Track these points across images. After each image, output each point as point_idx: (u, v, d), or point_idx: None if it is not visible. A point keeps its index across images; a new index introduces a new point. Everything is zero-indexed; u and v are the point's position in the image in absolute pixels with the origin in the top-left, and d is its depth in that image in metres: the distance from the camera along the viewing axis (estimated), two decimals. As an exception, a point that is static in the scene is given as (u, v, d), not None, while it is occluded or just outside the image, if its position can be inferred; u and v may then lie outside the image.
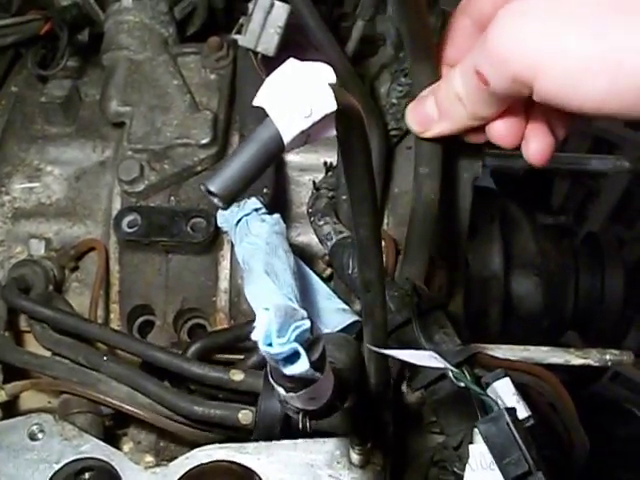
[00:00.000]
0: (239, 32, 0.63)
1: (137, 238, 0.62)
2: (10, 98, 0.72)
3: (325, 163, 0.64)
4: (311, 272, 0.60)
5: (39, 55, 0.72)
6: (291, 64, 0.32)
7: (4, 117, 0.71)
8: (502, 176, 0.89)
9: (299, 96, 0.31)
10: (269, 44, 0.62)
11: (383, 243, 0.61)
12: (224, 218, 0.59)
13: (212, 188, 0.30)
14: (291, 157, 0.67)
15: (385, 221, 0.64)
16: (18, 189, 0.69)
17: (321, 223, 0.60)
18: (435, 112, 0.52)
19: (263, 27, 0.62)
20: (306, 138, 0.31)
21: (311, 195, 0.63)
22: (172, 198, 0.65)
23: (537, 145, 0.51)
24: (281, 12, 0.62)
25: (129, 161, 0.64)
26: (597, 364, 0.62)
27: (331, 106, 0.31)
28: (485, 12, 0.49)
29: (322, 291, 0.59)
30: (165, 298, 0.64)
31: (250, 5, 0.62)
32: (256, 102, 0.31)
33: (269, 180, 0.61)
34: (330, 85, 0.31)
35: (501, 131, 0.51)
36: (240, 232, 0.58)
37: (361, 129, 0.33)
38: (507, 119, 0.50)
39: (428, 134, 0.54)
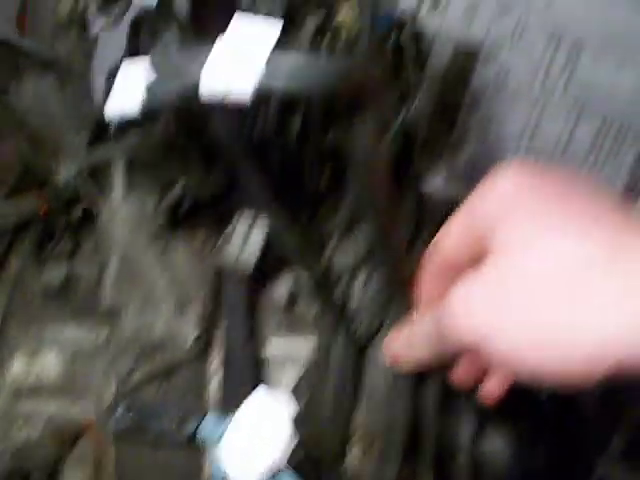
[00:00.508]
0: (220, 249, 0.69)
1: (128, 428, 0.69)
2: (9, 278, 0.78)
3: (302, 365, 0.70)
4: None
5: (37, 235, 0.78)
6: (257, 399, 0.38)
7: (4, 299, 0.77)
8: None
9: (255, 453, 0.37)
10: (248, 262, 0.69)
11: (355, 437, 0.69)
12: (206, 429, 0.65)
13: None
14: (272, 346, 0.73)
15: (359, 416, 0.70)
16: (18, 369, 0.75)
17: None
18: (407, 348, 0.59)
19: (243, 246, 0.68)
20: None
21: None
22: (162, 388, 0.72)
23: (490, 386, 0.58)
24: (259, 233, 0.68)
25: (122, 358, 0.70)
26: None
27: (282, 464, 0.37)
28: (449, 261, 0.54)
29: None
30: (156, 480, 0.71)
31: (231, 225, 0.69)
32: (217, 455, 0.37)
33: None
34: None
35: (459, 374, 0.58)
36: (220, 448, 0.64)
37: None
38: (465, 364, 0.58)
39: (399, 366, 0.61)
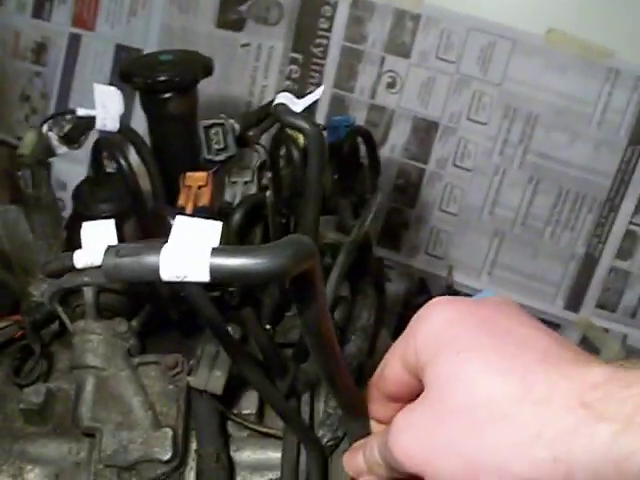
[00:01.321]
0: (190, 374, 0.73)
1: None
2: (-10, 400, 0.81)
3: (271, 479, 0.74)
4: None
5: (15, 357, 0.81)
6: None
7: (-12, 419, 0.80)
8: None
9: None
10: (216, 385, 0.72)
11: None
12: None
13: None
14: (242, 457, 0.77)
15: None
16: (4, 487, 0.78)
17: None
18: (364, 466, 0.62)
19: (211, 371, 0.72)
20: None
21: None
22: (141, 505, 0.75)
23: None
24: (226, 358, 0.71)
25: (101, 479, 0.74)
26: None
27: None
28: (392, 395, 0.58)
29: None
30: None
31: (198, 351, 0.72)
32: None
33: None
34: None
35: None
36: None
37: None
38: None
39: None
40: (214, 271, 0.39)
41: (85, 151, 1.17)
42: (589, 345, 1.18)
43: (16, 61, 1.30)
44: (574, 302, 1.14)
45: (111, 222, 0.59)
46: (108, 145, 0.81)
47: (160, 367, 0.78)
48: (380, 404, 0.61)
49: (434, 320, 0.50)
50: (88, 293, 0.77)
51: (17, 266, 0.82)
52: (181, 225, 0.42)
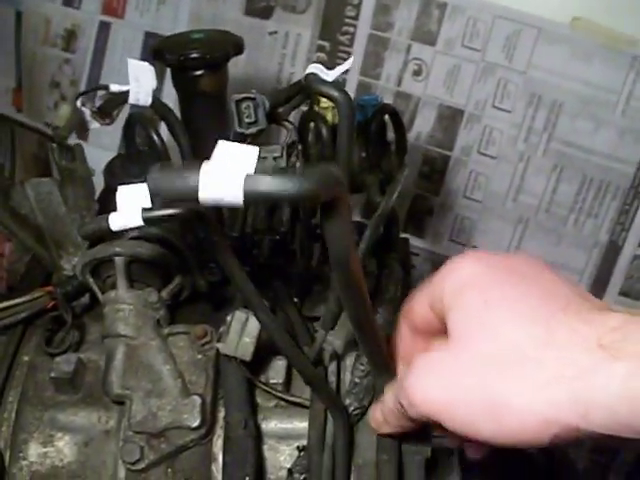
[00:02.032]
0: (219, 340, 0.74)
1: (140, 511, 0.74)
2: (23, 367, 0.83)
3: (298, 447, 0.75)
4: None
5: (47, 328, 0.83)
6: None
7: (19, 387, 0.82)
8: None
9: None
10: (246, 351, 0.73)
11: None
12: None
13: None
14: (269, 426, 0.78)
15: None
16: (34, 454, 0.79)
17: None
18: (381, 417, 0.67)
19: (240, 337, 0.73)
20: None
21: (286, 476, 0.74)
22: (169, 470, 0.76)
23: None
24: (255, 325, 0.73)
25: (130, 445, 0.75)
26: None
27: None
28: (418, 328, 0.62)
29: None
30: None
31: (228, 317, 0.74)
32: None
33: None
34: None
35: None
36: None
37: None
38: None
39: (380, 432, 0.69)
40: (248, 194, 0.41)
41: (113, 138, 1.19)
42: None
43: (46, 48, 1.31)
44: (597, 290, 1.14)
45: (144, 187, 0.61)
46: (140, 120, 0.82)
47: (189, 337, 0.80)
48: (407, 336, 0.63)
49: (464, 269, 0.52)
50: (119, 263, 0.78)
51: (50, 239, 0.84)
52: (221, 148, 0.44)
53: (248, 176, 0.42)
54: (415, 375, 0.53)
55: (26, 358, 0.84)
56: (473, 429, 0.49)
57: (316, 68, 0.70)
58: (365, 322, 0.58)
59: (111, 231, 0.59)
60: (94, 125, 0.80)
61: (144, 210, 0.56)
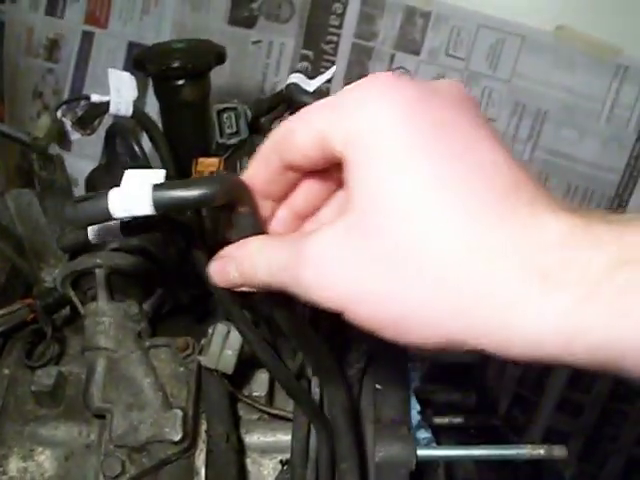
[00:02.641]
0: (201, 353, 0.73)
1: (121, 526, 0.73)
2: (3, 381, 0.82)
3: (281, 461, 0.74)
4: None
5: (27, 341, 0.82)
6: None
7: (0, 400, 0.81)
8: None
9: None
10: (228, 364, 0.72)
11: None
12: None
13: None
14: (252, 440, 0.77)
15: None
16: (14, 469, 0.78)
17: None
18: (240, 280, 0.49)
19: (222, 350, 0.72)
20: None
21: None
22: (151, 486, 0.75)
23: None
24: (237, 337, 0.72)
25: (111, 459, 0.74)
26: (530, 457, 0.70)
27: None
28: (293, 164, 0.46)
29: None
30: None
31: (210, 330, 0.73)
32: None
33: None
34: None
35: None
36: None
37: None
38: None
39: (239, 290, 0.51)
40: (156, 202, 0.44)
41: (95, 147, 1.19)
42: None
43: (29, 58, 1.31)
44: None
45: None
46: (121, 130, 0.81)
47: (171, 350, 0.79)
48: (273, 168, 0.47)
49: (375, 109, 0.38)
50: (100, 275, 0.78)
51: (30, 251, 0.83)
52: (129, 175, 0.47)
53: (155, 185, 0.45)
54: (309, 271, 0.41)
55: (6, 371, 0.83)
56: (376, 330, 0.40)
57: (297, 78, 0.70)
58: (299, 332, 0.60)
59: (90, 242, 0.59)
60: (75, 136, 0.80)
61: (122, 222, 0.55)
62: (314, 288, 0.41)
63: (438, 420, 0.84)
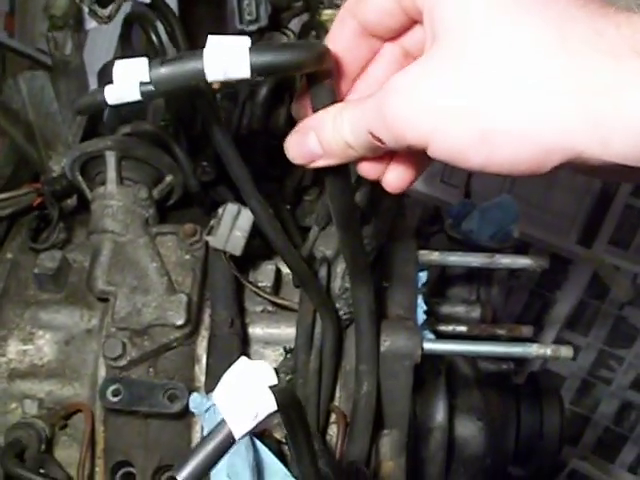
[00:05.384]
0: (210, 233, 0.72)
1: (120, 407, 0.72)
2: (6, 265, 0.81)
3: (284, 348, 0.74)
4: (267, 452, 0.69)
5: (32, 225, 0.81)
6: (242, 363, 0.43)
7: (1, 283, 0.80)
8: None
9: (247, 400, 0.42)
10: (236, 245, 0.71)
11: (333, 417, 0.73)
12: (195, 404, 0.69)
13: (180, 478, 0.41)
14: (256, 331, 0.76)
15: (337, 395, 0.74)
16: (13, 351, 0.78)
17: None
18: (319, 150, 0.49)
19: (231, 230, 0.71)
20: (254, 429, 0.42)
21: (272, 375, 0.73)
22: (150, 370, 0.75)
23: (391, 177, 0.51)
24: (247, 218, 0.71)
25: (113, 340, 0.73)
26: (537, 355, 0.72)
27: (272, 407, 0.41)
28: (368, 28, 0.47)
29: (280, 472, 0.68)
30: (145, 456, 0.74)
31: (220, 210, 0.72)
32: (214, 400, 0.42)
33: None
34: (271, 388, 0.41)
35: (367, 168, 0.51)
36: (209, 419, 0.67)
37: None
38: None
39: (313, 166, 0.51)
40: (254, 65, 0.43)
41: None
42: (599, 282, 1.17)
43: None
44: (587, 237, 1.13)
45: (144, 60, 0.59)
46: (139, 18, 0.80)
47: (178, 237, 0.78)
48: (349, 39, 0.47)
49: None
50: (110, 158, 0.77)
51: (40, 138, 0.82)
52: (217, 39, 0.44)
53: (251, 48, 0.43)
54: (398, 100, 0.42)
55: (9, 255, 0.82)
56: (462, 157, 0.41)
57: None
58: (349, 222, 0.57)
59: (106, 104, 0.58)
60: (91, 24, 0.79)
61: (142, 84, 0.54)
62: (402, 119, 0.41)
63: (442, 327, 0.83)
